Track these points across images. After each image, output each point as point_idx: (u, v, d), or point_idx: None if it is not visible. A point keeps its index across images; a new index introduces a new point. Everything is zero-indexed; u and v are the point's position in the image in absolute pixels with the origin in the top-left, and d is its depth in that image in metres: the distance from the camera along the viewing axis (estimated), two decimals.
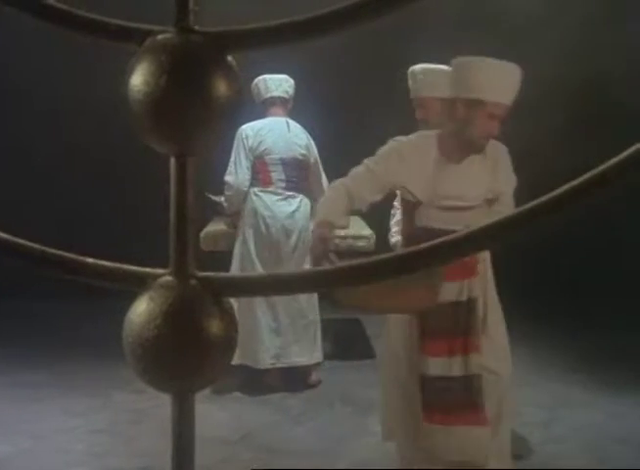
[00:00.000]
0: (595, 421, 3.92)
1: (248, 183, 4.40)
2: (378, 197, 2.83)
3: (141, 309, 0.49)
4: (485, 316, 2.81)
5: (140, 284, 0.51)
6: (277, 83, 4.50)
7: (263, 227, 4.39)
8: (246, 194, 4.41)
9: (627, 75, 5.59)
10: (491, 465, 2.74)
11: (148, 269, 0.52)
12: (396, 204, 3.91)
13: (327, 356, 4.66)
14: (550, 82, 5.73)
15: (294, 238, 4.41)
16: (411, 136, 2.88)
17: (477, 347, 2.75)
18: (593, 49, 5.74)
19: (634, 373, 4.59)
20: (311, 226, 4.63)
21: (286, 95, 4.52)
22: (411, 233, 2.83)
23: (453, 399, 2.71)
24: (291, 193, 4.45)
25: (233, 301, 0.53)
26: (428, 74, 3.56)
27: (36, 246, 0.53)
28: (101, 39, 0.52)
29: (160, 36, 0.49)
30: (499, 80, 2.61)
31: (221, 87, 0.48)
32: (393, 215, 3.90)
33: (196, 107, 0.48)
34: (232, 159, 4.40)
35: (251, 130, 4.40)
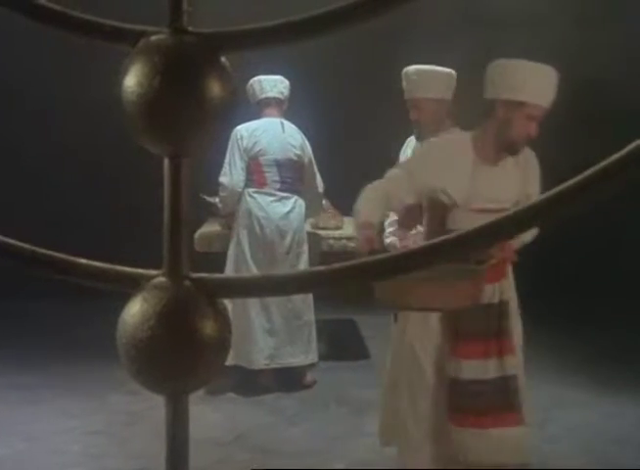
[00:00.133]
0: (590, 421, 3.93)
1: (242, 184, 4.40)
2: (413, 198, 2.81)
3: (134, 310, 0.49)
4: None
5: (133, 285, 0.51)
6: (272, 84, 4.49)
7: (258, 228, 4.38)
8: (240, 195, 4.40)
9: (626, 74, 5.60)
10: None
11: (141, 270, 0.52)
12: None
13: (322, 357, 4.66)
14: None
15: (288, 239, 4.41)
16: (445, 137, 2.86)
17: (511, 348, 2.78)
18: (589, 48, 5.75)
19: (629, 373, 4.60)
20: (306, 227, 4.65)
21: (281, 96, 4.52)
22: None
23: (487, 402, 2.72)
24: (285, 194, 4.44)
25: (227, 301, 0.53)
26: (422, 75, 3.57)
27: (29, 247, 0.52)
28: (95, 40, 0.52)
29: (153, 37, 0.49)
30: (539, 82, 2.62)
31: (215, 88, 0.48)
32: (387, 216, 3.91)
33: (189, 108, 0.48)
34: (226, 160, 4.40)
35: (246, 131, 4.39)
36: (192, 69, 0.48)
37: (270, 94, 4.48)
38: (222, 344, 0.50)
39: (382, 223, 3.86)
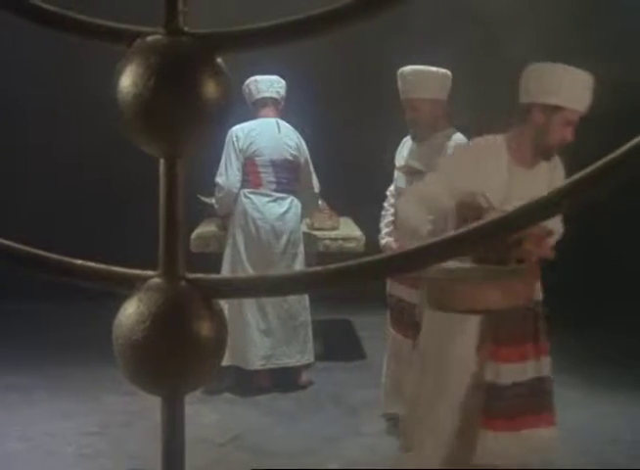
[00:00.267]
0: (585, 421, 3.93)
1: (238, 185, 4.39)
2: (453, 203, 2.77)
3: (130, 311, 0.49)
4: None
5: (129, 286, 0.51)
6: (268, 84, 4.49)
7: (253, 229, 4.38)
8: (236, 195, 4.40)
9: (626, 74, 5.61)
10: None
11: (137, 271, 0.52)
12: (386, 205, 3.92)
13: (318, 357, 4.66)
14: None
15: (284, 239, 4.40)
16: (478, 139, 2.84)
17: (546, 350, 2.80)
18: (579, 47, 5.76)
19: (624, 373, 4.61)
20: (302, 227, 4.65)
21: (277, 96, 4.51)
22: None
23: (523, 404, 2.73)
24: (281, 194, 4.44)
25: (223, 302, 0.53)
26: (417, 76, 3.57)
27: (24, 247, 0.52)
28: (90, 40, 0.52)
29: (149, 38, 0.49)
30: (576, 87, 2.63)
31: (210, 88, 0.48)
32: (384, 217, 3.91)
33: (185, 108, 0.48)
34: (222, 160, 4.39)
35: (242, 132, 4.39)
36: (188, 69, 0.48)
37: (266, 94, 4.48)
38: (218, 345, 0.50)
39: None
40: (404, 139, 3.84)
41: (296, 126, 4.54)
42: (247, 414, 4.10)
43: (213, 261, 4.41)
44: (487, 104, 5.65)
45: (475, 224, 0.47)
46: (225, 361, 0.50)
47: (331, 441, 3.73)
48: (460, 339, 2.78)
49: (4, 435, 3.74)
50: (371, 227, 4.21)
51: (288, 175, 4.46)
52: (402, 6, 0.48)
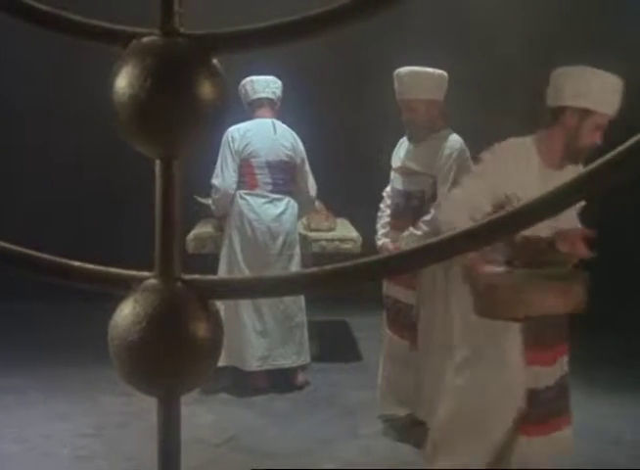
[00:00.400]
0: (587, 422, 3.93)
1: (234, 186, 4.39)
2: (490, 207, 2.74)
3: (126, 312, 0.49)
4: None
5: (125, 287, 0.51)
6: (264, 85, 4.48)
7: (249, 230, 4.37)
8: (233, 197, 4.40)
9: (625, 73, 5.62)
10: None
11: (133, 272, 0.52)
12: (383, 206, 3.92)
13: (314, 358, 4.66)
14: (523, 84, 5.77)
15: (280, 241, 4.40)
16: (509, 142, 2.83)
17: (566, 350, 2.84)
18: (569, 52, 5.78)
19: (624, 375, 4.62)
20: (299, 228, 4.65)
21: (273, 96, 4.51)
22: (512, 244, 2.69)
23: (552, 408, 2.74)
24: (277, 195, 4.43)
25: (219, 303, 0.53)
26: (414, 77, 3.58)
27: (20, 248, 0.52)
28: (85, 41, 0.52)
29: (144, 39, 0.49)
30: (606, 91, 2.64)
31: (206, 90, 0.48)
32: (380, 218, 3.91)
33: (181, 109, 0.48)
34: (219, 162, 4.39)
35: (238, 133, 4.38)
36: (183, 70, 0.48)
37: (262, 95, 4.48)
38: (214, 346, 0.50)
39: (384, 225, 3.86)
40: (401, 140, 3.85)
41: (292, 127, 4.54)
42: (243, 415, 4.09)
43: (210, 262, 4.40)
44: (484, 105, 5.67)
45: (474, 224, 0.47)
46: (221, 362, 0.50)
47: (327, 442, 3.73)
48: (509, 346, 2.74)
49: None
50: (368, 228, 4.22)
51: (284, 176, 4.46)
52: (398, 7, 0.48)
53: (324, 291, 0.51)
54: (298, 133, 4.55)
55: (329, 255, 4.68)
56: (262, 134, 4.41)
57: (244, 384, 4.42)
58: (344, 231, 4.94)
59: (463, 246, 0.48)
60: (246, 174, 4.41)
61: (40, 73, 6.07)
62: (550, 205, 0.46)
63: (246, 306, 4.34)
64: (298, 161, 4.50)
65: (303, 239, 4.68)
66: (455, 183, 3.52)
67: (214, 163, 4.39)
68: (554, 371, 2.77)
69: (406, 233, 3.61)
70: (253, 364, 4.38)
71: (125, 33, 0.50)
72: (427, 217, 3.55)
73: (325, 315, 5.51)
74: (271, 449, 3.64)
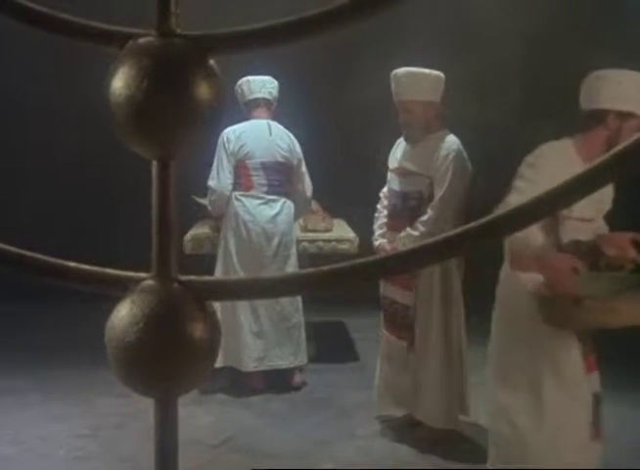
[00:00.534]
0: None
1: (230, 187, 4.39)
2: None
3: (123, 313, 0.49)
4: None
5: (122, 288, 0.51)
6: (260, 85, 4.48)
7: (244, 231, 4.37)
8: (229, 198, 4.39)
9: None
10: None
11: (130, 273, 0.52)
12: (380, 207, 3.92)
13: (311, 359, 4.66)
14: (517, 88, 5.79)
15: (275, 242, 4.39)
16: (550, 145, 2.81)
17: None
18: (566, 57, 5.79)
19: (630, 374, 4.62)
20: (295, 230, 4.65)
21: (269, 97, 4.50)
22: (558, 248, 2.67)
23: (600, 414, 2.74)
24: (272, 197, 4.43)
25: (216, 304, 0.53)
26: (411, 78, 3.58)
27: (16, 249, 0.52)
28: (82, 42, 0.52)
29: (141, 39, 0.49)
30: None
31: (203, 90, 0.48)
32: (377, 219, 3.91)
33: (177, 110, 0.48)
34: (215, 163, 4.39)
35: (233, 134, 4.38)
36: (180, 71, 0.48)
37: (259, 95, 4.47)
38: (211, 346, 0.50)
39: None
40: (398, 141, 3.85)
41: (288, 127, 4.54)
42: (240, 416, 4.09)
43: (207, 263, 4.40)
44: (483, 104, 5.67)
45: (471, 224, 0.47)
46: (218, 363, 0.50)
47: (324, 442, 3.73)
48: (567, 358, 2.71)
49: None
50: (364, 229, 4.22)
51: (280, 177, 4.45)
52: (395, 7, 0.48)
53: (321, 292, 0.51)
54: (295, 134, 4.54)
55: (326, 255, 4.68)
56: (258, 135, 4.40)
57: (241, 385, 4.42)
58: (341, 232, 4.95)
59: (460, 246, 0.48)
60: (241, 176, 4.40)
61: (42, 73, 6.06)
62: (547, 204, 0.46)
63: (243, 307, 4.34)
64: (295, 162, 4.50)
65: (300, 240, 4.69)
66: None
67: (211, 163, 4.39)
68: (597, 377, 2.77)
69: (403, 234, 3.62)
70: (250, 365, 4.38)
71: (122, 34, 0.50)
72: (424, 218, 3.55)
73: (322, 316, 5.51)
74: (269, 450, 3.64)
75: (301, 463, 3.48)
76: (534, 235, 2.57)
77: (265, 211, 4.39)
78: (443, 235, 0.47)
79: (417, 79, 3.57)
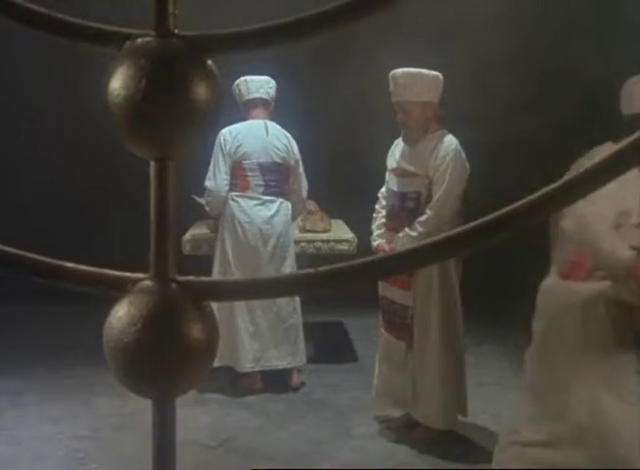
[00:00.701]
0: None
1: (226, 188, 4.38)
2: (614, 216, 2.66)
3: (121, 314, 0.49)
4: None
5: (120, 288, 0.51)
6: (258, 85, 4.47)
7: (240, 232, 4.37)
8: (225, 199, 4.39)
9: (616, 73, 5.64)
10: None
11: (128, 273, 0.52)
12: (378, 207, 3.92)
13: (310, 359, 4.66)
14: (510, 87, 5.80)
15: (271, 243, 4.39)
16: (601, 149, 2.79)
17: None
18: (565, 51, 5.80)
19: None
20: (293, 231, 4.65)
21: (267, 96, 4.50)
22: None
23: None
24: (269, 197, 4.42)
25: (213, 304, 0.53)
26: (409, 79, 3.58)
27: (14, 250, 0.52)
28: (80, 42, 0.52)
29: (139, 40, 0.49)
30: None
31: (201, 91, 0.48)
32: (375, 219, 3.91)
33: (176, 110, 0.48)
34: (211, 164, 4.38)
35: (230, 135, 4.37)
36: (178, 71, 0.48)
37: (256, 95, 4.47)
38: (209, 347, 0.50)
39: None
40: (396, 141, 3.85)
41: (286, 127, 4.53)
42: (238, 416, 4.09)
43: (205, 264, 4.40)
44: (481, 104, 5.68)
45: (471, 224, 0.47)
46: (216, 363, 0.50)
47: (322, 443, 3.73)
48: (625, 361, 2.68)
49: None
50: (363, 229, 4.22)
51: (276, 178, 4.45)
52: (392, 8, 0.48)
53: (320, 292, 0.51)
54: (293, 134, 4.54)
55: (324, 256, 4.68)
56: (254, 136, 4.40)
57: (239, 385, 4.42)
58: (340, 232, 4.95)
59: (460, 246, 0.48)
60: (237, 176, 4.40)
61: (40, 73, 6.06)
62: (545, 202, 0.46)
63: (239, 308, 4.34)
64: (292, 162, 4.49)
65: (298, 240, 4.68)
66: (451, 189, 3.50)
67: (209, 163, 4.39)
68: None
69: (401, 234, 3.62)
70: (246, 365, 4.38)
71: (120, 34, 0.50)
72: (422, 218, 3.55)
73: (320, 317, 5.51)
74: (267, 451, 3.64)
75: (300, 464, 3.47)
76: (620, 248, 2.54)
77: (262, 212, 4.38)
78: (442, 235, 0.47)
79: (415, 80, 3.57)
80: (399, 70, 3.61)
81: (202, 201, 4.58)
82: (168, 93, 0.48)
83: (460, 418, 3.68)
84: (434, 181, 3.57)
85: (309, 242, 4.77)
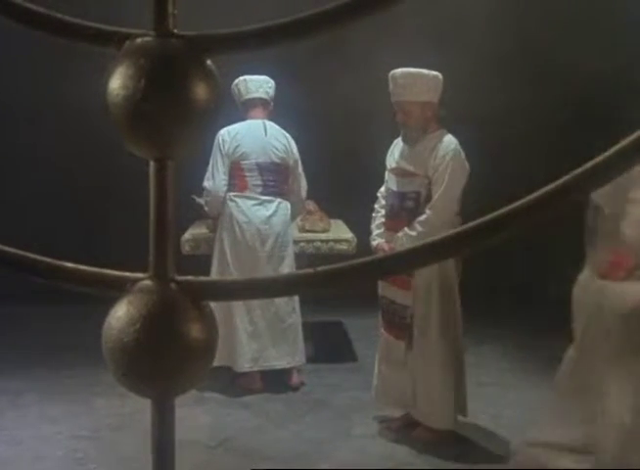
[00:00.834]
0: None
1: (225, 188, 4.38)
2: None
3: (120, 314, 0.49)
4: None
5: (119, 288, 0.51)
6: (257, 84, 4.47)
7: (239, 232, 4.36)
8: (223, 199, 4.39)
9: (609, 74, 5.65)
10: None
11: (127, 273, 0.52)
12: (377, 207, 3.92)
13: (309, 359, 4.66)
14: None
15: (269, 243, 4.38)
16: None
17: None
18: (560, 56, 5.80)
19: None
20: (291, 231, 4.64)
21: (266, 96, 4.49)
22: None
23: None
24: (267, 197, 4.41)
25: (211, 304, 0.53)
26: (408, 79, 3.57)
27: (14, 250, 0.52)
28: (79, 43, 0.52)
29: (139, 40, 0.49)
30: None
31: (201, 91, 0.48)
32: (375, 219, 3.91)
33: (175, 110, 0.48)
34: (210, 164, 4.38)
35: (228, 135, 4.37)
36: (177, 71, 0.48)
37: (256, 95, 4.46)
38: (208, 347, 0.50)
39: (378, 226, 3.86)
40: (395, 141, 3.85)
41: (284, 127, 4.53)
42: (237, 416, 4.09)
43: (204, 264, 4.40)
44: (481, 104, 5.68)
45: (470, 223, 0.47)
46: (215, 362, 0.50)
47: (322, 443, 3.73)
48: None
49: None
50: (362, 229, 4.22)
51: (275, 178, 4.44)
52: (391, 8, 0.48)
53: (319, 292, 0.51)
54: (292, 134, 4.53)
55: (323, 256, 4.68)
56: (253, 136, 4.39)
57: (238, 385, 4.42)
58: (339, 232, 4.95)
59: (458, 247, 0.48)
60: (236, 176, 4.40)
61: (34, 73, 6.05)
62: (551, 200, 0.46)
63: (238, 308, 4.34)
64: (291, 162, 4.49)
65: (297, 240, 4.68)
66: (447, 184, 3.51)
67: (208, 163, 4.38)
68: None
69: (401, 234, 3.62)
70: (245, 366, 4.38)
71: (120, 34, 0.50)
72: (421, 218, 3.55)
73: (320, 316, 5.51)
74: (266, 451, 3.63)
75: (299, 464, 3.47)
76: None
77: (260, 212, 4.38)
78: (442, 235, 0.47)
79: (414, 80, 3.57)
80: (399, 70, 3.61)
81: (201, 201, 4.58)
82: (168, 93, 0.48)
83: (459, 418, 3.68)
84: (434, 181, 3.56)
85: (309, 242, 4.77)
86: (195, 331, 0.49)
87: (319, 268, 0.49)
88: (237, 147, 4.36)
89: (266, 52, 0.54)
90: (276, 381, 4.47)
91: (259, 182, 4.40)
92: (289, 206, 4.50)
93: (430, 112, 3.63)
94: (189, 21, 0.67)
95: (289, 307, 4.45)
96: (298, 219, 4.86)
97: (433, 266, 3.43)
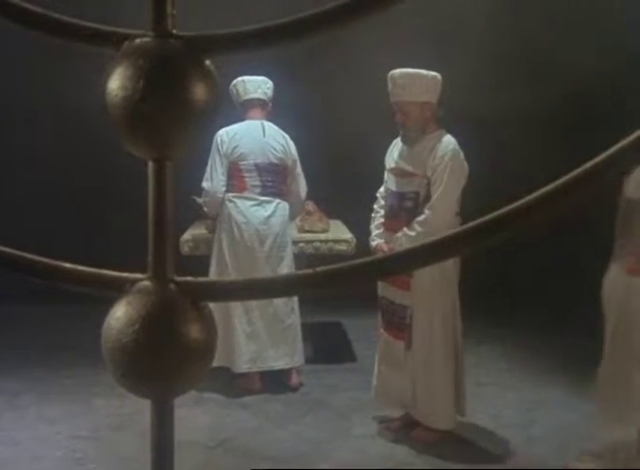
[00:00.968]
0: (574, 422, 3.95)
1: (223, 189, 4.37)
2: None
3: (119, 314, 0.49)
4: None
5: (118, 289, 0.51)
6: (255, 85, 4.46)
7: (237, 233, 4.36)
8: (222, 199, 4.39)
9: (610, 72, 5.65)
10: None
11: (126, 274, 0.52)
12: (377, 207, 3.92)
13: (308, 360, 4.65)
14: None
15: (268, 243, 4.38)
16: None
17: None
18: (560, 56, 5.80)
19: None
20: (290, 231, 4.64)
21: (264, 97, 4.49)
22: None
23: None
24: (266, 198, 4.41)
25: (210, 305, 0.53)
26: (407, 79, 3.57)
27: (13, 251, 0.52)
28: (77, 43, 0.51)
29: (137, 40, 0.49)
30: None
31: (199, 91, 0.48)
32: (374, 219, 3.91)
33: (174, 111, 0.48)
34: (209, 165, 4.37)
35: (227, 136, 4.37)
36: (176, 72, 0.48)
37: (254, 95, 4.46)
38: (207, 347, 0.50)
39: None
40: (394, 141, 3.85)
41: (283, 128, 4.52)
42: (236, 416, 4.09)
43: (203, 264, 4.40)
44: (480, 103, 5.68)
45: (470, 223, 0.47)
46: (214, 363, 0.50)
47: (321, 443, 3.73)
48: None
49: None
50: (361, 229, 4.22)
51: (273, 178, 4.44)
52: (390, 8, 0.48)
53: (318, 292, 0.51)
54: (290, 134, 4.53)
55: (323, 256, 4.68)
56: (251, 136, 4.39)
57: (237, 385, 4.42)
58: (338, 232, 4.94)
59: (458, 247, 0.48)
60: (234, 177, 4.39)
61: (31, 73, 6.05)
62: (552, 200, 0.46)
63: (236, 308, 4.33)
64: (290, 163, 4.48)
65: (296, 240, 4.68)
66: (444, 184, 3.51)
67: (207, 163, 4.38)
68: None
69: (400, 234, 3.62)
70: (243, 366, 4.38)
71: (119, 35, 0.50)
72: (420, 218, 3.55)
73: (319, 317, 5.51)
74: (266, 451, 3.63)
75: (299, 464, 3.47)
76: None
77: (258, 213, 4.38)
78: (441, 235, 0.47)
79: (413, 80, 3.57)
80: (398, 71, 3.61)
81: (201, 201, 4.58)
82: (167, 93, 0.48)
83: (459, 418, 3.68)
84: (433, 181, 3.56)
85: (308, 242, 4.76)
86: (194, 332, 0.49)
87: (318, 269, 0.49)
88: (235, 147, 4.36)
89: (265, 52, 0.54)
90: (275, 381, 4.46)
91: (258, 183, 4.40)
92: (287, 206, 4.49)
93: (429, 112, 3.63)
94: (188, 21, 0.67)
95: (287, 308, 4.44)
96: (298, 220, 4.86)
97: (432, 267, 3.43)
